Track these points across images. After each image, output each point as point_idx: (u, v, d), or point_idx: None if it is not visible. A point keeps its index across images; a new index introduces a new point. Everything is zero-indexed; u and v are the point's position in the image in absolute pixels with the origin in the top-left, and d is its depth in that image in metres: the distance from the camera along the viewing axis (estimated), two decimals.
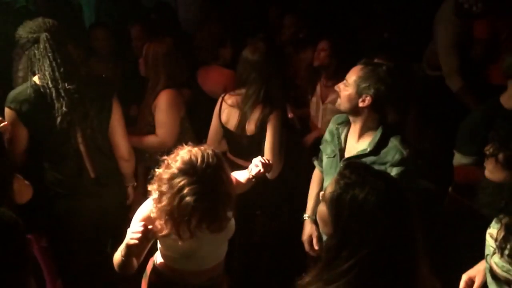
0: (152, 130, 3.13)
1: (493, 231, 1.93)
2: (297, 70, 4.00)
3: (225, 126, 2.98)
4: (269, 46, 2.90)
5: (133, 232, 1.99)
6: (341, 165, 2.35)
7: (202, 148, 2.01)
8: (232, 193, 2.07)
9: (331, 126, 2.58)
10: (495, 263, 1.86)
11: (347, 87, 2.36)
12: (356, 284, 1.47)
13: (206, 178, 1.94)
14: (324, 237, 2.26)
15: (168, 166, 1.98)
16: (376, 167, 2.25)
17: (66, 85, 2.50)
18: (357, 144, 2.42)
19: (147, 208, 2.10)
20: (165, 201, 1.96)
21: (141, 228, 1.98)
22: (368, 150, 2.34)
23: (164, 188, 1.96)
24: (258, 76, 2.82)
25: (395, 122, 2.82)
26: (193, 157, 1.95)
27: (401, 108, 2.99)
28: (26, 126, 2.54)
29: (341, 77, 3.35)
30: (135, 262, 2.13)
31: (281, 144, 2.87)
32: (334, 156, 2.50)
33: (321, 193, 1.66)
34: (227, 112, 2.96)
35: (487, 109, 2.63)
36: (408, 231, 1.52)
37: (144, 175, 3.10)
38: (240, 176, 2.39)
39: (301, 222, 2.72)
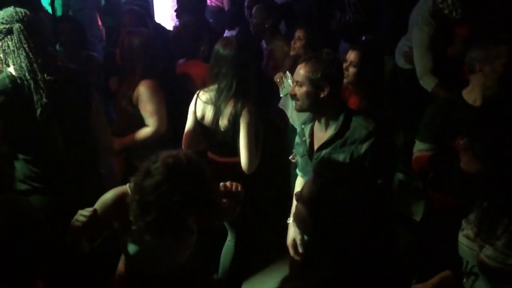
0: (134, 122, 3.11)
1: (468, 232, 1.94)
2: (275, 60, 4.01)
3: (201, 123, 2.98)
4: (242, 40, 2.91)
5: (80, 214, 1.93)
6: (315, 160, 2.44)
7: (182, 152, 1.95)
8: (216, 196, 2.02)
9: (298, 128, 2.65)
10: (487, 256, 1.85)
11: (301, 87, 2.42)
12: (337, 281, 1.48)
13: (193, 183, 1.88)
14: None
15: (150, 174, 1.89)
16: (347, 148, 2.37)
17: (45, 76, 2.46)
18: (324, 134, 2.48)
19: (113, 197, 2.06)
20: (153, 212, 1.86)
21: (89, 213, 1.92)
22: (334, 133, 2.40)
23: (150, 198, 1.87)
24: (229, 70, 2.82)
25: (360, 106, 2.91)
26: (177, 161, 1.88)
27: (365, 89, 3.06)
28: (1, 118, 2.48)
29: None
30: (84, 243, 2.06)
31: (255, 138, 2.87)
32: (306, 154, 2.55)
33: (296, 193, 1.66)
34: (202, 108, 2.95)
35: (448, 100, 2.69)
36: (385, 224, 1.55)
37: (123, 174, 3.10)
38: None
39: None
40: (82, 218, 1.93)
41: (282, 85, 3.51)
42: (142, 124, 3.09)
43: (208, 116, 2.92)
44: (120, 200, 2.03)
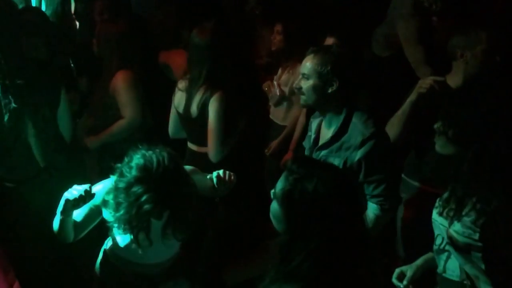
0: (111, 113, 3.06)
1: (440, 209, 1.98)
2: (260, 49, 3.95)
3: (177, 111, 2.95)
4: (217, 28, 2.84)
5: (75, 188, 1.94)
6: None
7: (157, 150, 1.94)
8: (193, 194, 2.02)
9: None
10: (455, 231, 1.90)
11: (307, 80, 2.29)
12: (311, 276, 1.48)
13: (163, 184, 1.89)
14: None
15: (122, 175, 1.92)
16: (342, 153, 2.27)
17: (15, 80, 2.39)
18: (326, 133, 2.38)
19: (101, 187, 2.08)
20: (122, 210, 1.91)
21: (84, 188, 1.93)
22: (331, 136, 2.31)
23: (120, 198, 1.91)
24: (202, 57, 2.77)
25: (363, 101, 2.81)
26: (148, 163, 1.89)
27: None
28: None
29: (296, 61, 3.39)
30: (70, 231, 2.07)
31: (224, 128, 2.80)
32: (309, 150, 2.48)
33: (272, 191, 1.66)
34: (178, 96, 2.93)
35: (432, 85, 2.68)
36: (357, 218, 1.56)
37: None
38: (202, 181, 2.25)
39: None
40: (75, 192, 1.94)
41: (271, 94, 3.48)
42: (119, 116, 3.05)
43: (181, 104, 2.89)
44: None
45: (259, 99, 3.66)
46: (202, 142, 2.85)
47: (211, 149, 2.78)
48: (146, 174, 1.88)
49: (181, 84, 2.92)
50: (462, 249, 1.90)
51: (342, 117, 2.29)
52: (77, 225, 2.09)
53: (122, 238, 2.12)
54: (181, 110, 2.90)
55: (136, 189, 1.87)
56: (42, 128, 2.54)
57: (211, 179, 2.20)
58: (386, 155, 2.31)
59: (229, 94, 2.80)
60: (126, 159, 1.95)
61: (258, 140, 3.65)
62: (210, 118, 2.76)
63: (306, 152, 2.54)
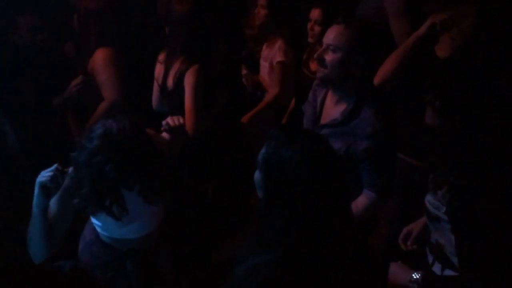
0: (89, 91, 2.98)
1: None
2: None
3: (157, 83, 2.90)
4: None
5: (43, 173, 1.88)
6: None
7: (117, 117, 1.89)
8: (159, 158, 1.97)
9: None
10: (428, 201, 1.94)
11: (334, 53, 2.13)
12: (287, 245, 1.48)
13: (126, 150, 1.83)
14: None
15: (82, 148, 1.85)
16: (346, 139, 2.19)
17: None
18: (332, 109, 2.28)
19: None
20: (86, 186, 1.84)
21: (54, 167, 1.88)
22: (339, 120, 2.21)
23: (81, 174, 1.84)
24: (180, 28, 2.73)
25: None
26: (107, 131, 1.83)
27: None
28: None
29: (276, 38, 3.30)
30: (47, 236, 1.95)
31: (199, 102, 2.75)
32: (310, 119, 2.37)
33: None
34: (158, 68, 2.89)
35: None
36: (335, 188, 1.54)
37: None
38: (159, 140, 2.24)
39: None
40: (47, 175, 1.88)
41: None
42: (98, 94, 2.99)
43: (160, 76, 2.85)
44: None
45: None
46: (182, 115, 2.81)
47: (187, 123, 2.70)
48: (107, 141, 1.81)
49: (161, 57, 2.87)
50: (433, 219, 1.92)
51: (353, 100, 2.18)
52: (54, 224, 1.98)
53: (102, 221, 2.07)
54: (159, 82, 2.86)
55: (98, 158, 1.80)
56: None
57: (164, 130, 2.19)
58: (391, 149, 2.26)
59: (207, 67, 2.75)
60: (86, 133, 1.89)
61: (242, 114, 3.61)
62: (186, 91, 2.71)
63: (305, 120, 2.44)
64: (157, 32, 3.20)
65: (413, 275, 1.82)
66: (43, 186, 1.89)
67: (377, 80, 2.45)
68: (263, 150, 1.58)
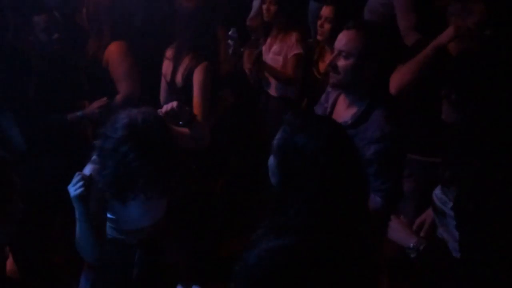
0: (102, 86, 2.99)
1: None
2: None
3: (165, 80, 2.89)
4: None
5: (72, 185, 1.91)
6: None
7: (142, 109, 1.94)
8: (178, 154, 2.02)
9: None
10: (435, 195, 1.94)
11: (347, 59, 2.11)
12: (304, 230, 1.47)
13: (150, 140, 1.89)
14: None
15: (107, 137, 1.91)
16: (355, 141, 2.08)
17: None
18: (344, 112, 2.26)
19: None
20: (109, 169, 1.90)
21: (80, 176, 1.91)
22: (349, 123, 2.17)
23: (107, 158, 1.91)
24: (188, 25, 2.72)
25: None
26: (133, 121, 1.89)
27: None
28: None
29: (290, 32, 3.32)
30: (99, 235, 2.00)
31: (209, 99, 2.73)
32: None
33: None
34: (166, 65, 2.88)
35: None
36: (351, 175, 1.52)
37: None
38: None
39: None
40: (76, 185, 1.91)
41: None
42: (112, 88, 2.99)
43: (168, 73, 2.85)
44: None
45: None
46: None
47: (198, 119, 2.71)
48: (132, 132, 1.87)
49: (169, 53, 2.87)
50: (439, 213, 1.92)
51: (364, 103, 2.16)
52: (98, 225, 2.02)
53: (115, 209, 2.09)
54: (167, 79, 2.85)
55: (124, 148, 1.86)
56: None
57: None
58: (399, 155, 2.23)
59: (216, 64, 2.75)
60: (109, 123, 1.94)
61: (251, 110, 3.61)
62: (196, 89, 2.71)
63: None
64: (163, 28, 3.23)
65: (413, 243, 1.84)
66: (81, 197, 1.91)
67: (394, 89, 2.46)
68: (278, 135, 1.56)
